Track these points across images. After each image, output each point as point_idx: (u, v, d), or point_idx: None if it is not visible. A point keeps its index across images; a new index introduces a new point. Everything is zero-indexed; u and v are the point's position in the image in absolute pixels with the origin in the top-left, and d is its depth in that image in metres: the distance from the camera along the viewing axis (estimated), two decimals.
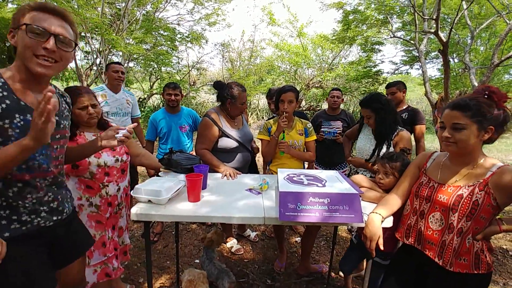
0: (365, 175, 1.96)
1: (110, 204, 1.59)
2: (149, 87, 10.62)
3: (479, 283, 1.15)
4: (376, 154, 1.92)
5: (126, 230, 1.80)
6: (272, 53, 11.29)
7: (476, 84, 4.40)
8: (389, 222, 1.30)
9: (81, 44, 8.09)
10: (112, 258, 1.61)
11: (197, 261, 2.43)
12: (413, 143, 2.53)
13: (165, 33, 8.82)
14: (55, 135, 1.07)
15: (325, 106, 8.84)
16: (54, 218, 1.10)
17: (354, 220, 1.21)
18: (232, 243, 2.61)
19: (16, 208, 0.99)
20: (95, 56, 6.68)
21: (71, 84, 9.64)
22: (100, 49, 6.55)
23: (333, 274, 2.25)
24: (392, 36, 7.03)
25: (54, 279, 1.11)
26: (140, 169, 3.53)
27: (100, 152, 1.52)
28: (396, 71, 9.93)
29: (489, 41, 9.13)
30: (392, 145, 1.90)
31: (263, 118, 11.51)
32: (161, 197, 1.34)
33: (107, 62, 6.55)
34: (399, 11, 6.87)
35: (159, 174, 1.82)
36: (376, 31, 7.46)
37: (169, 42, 9.04)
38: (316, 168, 2.99)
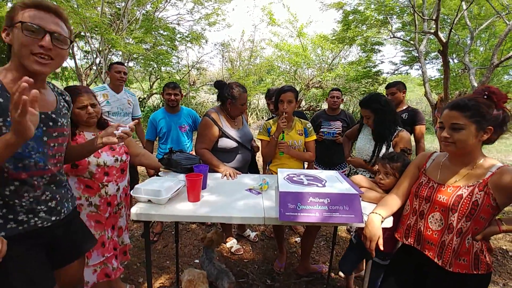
0: (365, 175, 1.96)
1: (110, 204, 1.59)
2: (149, 87, 10.62)
3: (479, 283, 1.15)
4: (375, 154, 1.92)
5: (126, 230, 1.80)
6: (272, 53, 11.32)
7: (475, 84, 4.41)
8: (389, 223, 1.30)
9: (81, 43, 8.09)
10: (111, 258, 1.60)
11: (196, 261, 2.43)
12: (413, 143, 2.54)
13: (165, 33, 8.82)
14: (51, 133, 1.05)
15: (325, 106, 8.84)
16: (53, 218, 1.09)
17: (354, 220, 1.21)
18: (231, 243, 2.61)
19: (12, 207, 0.98)
20: (94, 56, 6.67)
21: (71, 83, 9.64)
22: (100, 48, 6.54)
23: (333, 274, 2.25)
24: (392, 36, 7.04)
25: (53, 279, 1.10)
26: (140, 169, 3.53)
27: (99, 151, 1.51)
28: (396, 72, 9.95)
29: (489, 42, 9.14)
30: (391, 145, 1.90)
31: (263, 118, 11.52)
32: (161, 197, 1.34)
33: (106, 62, 6.55)
34: (399, 12, 6.87)
35: (159, 174, 1.81)
36: (376, 32, 7.47)
37: (169, 42, 9.04)
38: (315, 168, 2.99)
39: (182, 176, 1.65)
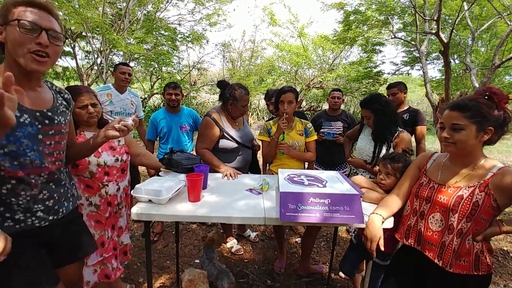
0: (365, 175, 1.96)
1: (110, 204, 1.59)
2: (150, 87, 10.63)
3: (479, 284, 1.15)
4: (376, 155, 1.91)
5: (127, 230, 1.80)
6: (273, 53, 11.32)
7: (477, 85, 4.40)
8: (389, 223, 1.30)
9: (82, 43, 8.10)
10: (111, 258, 1.60)
11: (197, 261, 2.43)
12: (414, 144, 2.53)
13: (166, 33, 8.82)
14: (47, 131, 1.05)
15: (325, 106, 8.85)
16: (50, 218, 1.08)
17: (354, 221, 1.21)
18: (232, 243, 2.61)
19: (9, 206, 0.98)
20: (96, 56, 6.68)
21: (72, 83, 9.66)
22: (101, 48, 6.55)
23: (333, 275, 2.24)
24: (393, 37, 7.03)
25: (54, 278, 1.10)
26: (141, 169, 3.53)
27: (100, 151, 1.52)
28: (397, 72, 9.93)
29: (490, 42, 9.13)
30: (392, 146, 1.90)
31: (263, 118, 11.52)
32: (162, 196, 1.34)
33: (108, 62, 6.56)
34: (400, 12, 6.86)
35: (160, 173, 1.82)
36: (377, 32, 7.46)
37: (170, 42, 9.04)
38: (316, 169, 2.98)
39: (182, 176, 1.65)
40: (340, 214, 1.20)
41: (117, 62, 3.38)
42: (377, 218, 1.24)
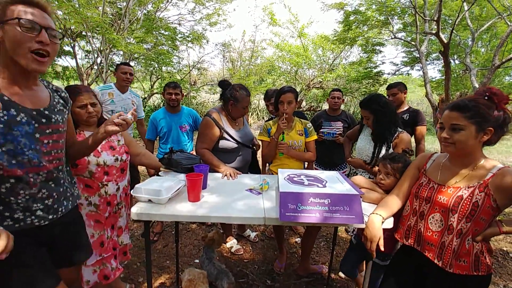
0: (364, 176, 1.96)
1: (109, 204, 1.59)
2: (150, 87, 10.63)
3: (479, 284, 1.15)
4: (375, 155, 1.92)
5: (126, 230, 1.79)
6: (273, 53, 11.32)
7: (477, 85, 4.40)
8: (389, 223, 1.29)
9: (82, 43, 8.10)
10: (110, 258, 1.60)
11: (196, 261, 2.43)
12: (414, 144, 2.53)
13: (166, 33, 8.82)
14: (44, 130, 1.04)
15: (325, 106, 8.85)
16: (50, 217, 1.08)
17: (354, 221, 1.20)
18: (232, 243, 2.61)
19: (8, 205, 0.98)
20: (95, 55, 6.68)
21: (72, 83, 9.65)
22: (101, 48, 6.54)
23: (333, 275, 2.24)
24: (393, 37, 7.03)
25: (54, 278, 1.09)
26: (140, 169, 3.53)
27: (99, 151, 1.51)
28: (397, 72, 9.93)
29: (490, 43, 9.14)
30: (391, 147, 1.90)
31: (263, 118, 11.52)
32: (161, 196, 1.34)
33: (107, 62, 6.56)
34: (400, 12, 6.86)
35: (159, 173, 1.82)
36: (377, 32, 7.46)
37: (169, 42, 9.04)
38: (316, 169, 2.98)
39: (182, 176, 1.65)
40: (340, 214, 1.20)
41: (117, 62, 3.39)
42: (377, 218, 1.24)
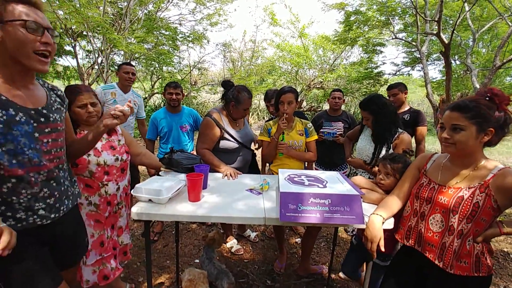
0: (364, 176, 1.96)
1: (109, 203, 1.59)
2: (150, 87, 10.64)
3: (479, 285, 1.15)
4: (375, 156, 1.91)
5: (127, 229, 1.79)
6: (274, 53, 11.31)
7: (477, 86, 4.39)
8: (390, 224, 1.29)
9: (83, 43, 8.11)
10: (110, 257, 1.60)
11: (197, 260, 2.43)
12: (415, 144, 2.53)
13: (167, 33, 8.82)
14: (43, 129, 1.04)
15: (326, 107, 8.84)
16: (52, 216, 1.08)
17: (355, 222, 1.20)
18: (232, 243, 2.61)
19: (10, 205, 0.98)
20: (96, 55, 6.69)
21: (73, 83, 9.66)
22: (102, 48, 6.55)
23: (333, 275, 2.24)
24: (393, 37, 7.02)
25: (56, 279, 1.09)
26: (141, 168, 3.54)
27: (100, 150, 1.51)
28: (398, 73, 9.91)
29: (491, 43, 9.12)
30: (392, 147, 1.89)
31: (263, 118, 11.52)
32: (162, 196, 1.34)
33: (108, 61, 6.56)
34: (401, 13, 6.85)
35: (160, 173, 1.82)
36: (377, 32, 7.45)
37: (170, 42, 9.04)
38: (316, 169, 2.98)
39: (182, 176, 1.65)
40: (340, 215, 1.20)
41: (118, 62, 3.41)
42: (377, 218, 1.24)
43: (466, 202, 1.10)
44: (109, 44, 6.23)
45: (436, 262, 1.15)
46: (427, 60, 6.61)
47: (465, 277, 1.11)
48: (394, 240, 1.38)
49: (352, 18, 7.28)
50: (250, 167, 2.38)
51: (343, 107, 3.58)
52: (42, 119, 1.04)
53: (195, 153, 2.14)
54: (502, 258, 2.65)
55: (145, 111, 3.09)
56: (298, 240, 2.83)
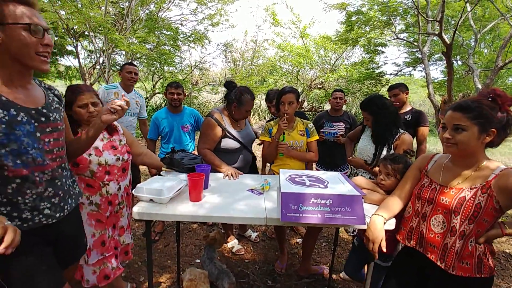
0: (365, 176, 1.95)
1: (111, 203, 1.59)
2: (152, 87, 10.66)
3: (481, 287, 1.15)
4: (376, 156, 1.91)
5: (128, 229, 1.80)
6: (275, 53, 11.31)
7: (479, 86, 4.38)
8: (391, 225, 1.29)
9: (85, 43, 8.13)
10: (111, 257, 1.60)
11: (198, 260, 2.43)
12: (416, 145, 2.52)
13: (168, 33, 8.84)
14: (45, 128, 1.04)
15: (327, 107, 8.84)
16: (57, 215, 1.08)
17: (356, 222, 1.20)
18: (233, 243, 2.61)
19: (16, 205, 0.98)
20: (98, 55, 6.71)
21: (74, 82, 9.70)
22: (103, 48, 6.57)
23: (334, 276, 2.24)
24: (395, 37, 7.01)
25: (60, 279, 1.10)
26: (142, 168, 3.54)
27: (101, 150, 1.52)
28: (399, 73, 9.91)
29: (493, 44, 9.10)
30: (392, 148, 1.89)
31: (265, 118, 11.52)
32: (163, 196, 1.34)
33: (110, 61, 6.58)
34: (402, 13, 6.84)
35: (161, 173, 1.82)
36: (379, 33, 7.45)
37: (172, 42, 9.06)
38: (317, 169, 2.98)
39: (184, 176, 1.65)
40: (341, 215, 1.20)
41: (120, 62, 3.42)
42: (379, 219, 1.24)
43: (468, 203, 1.09)
44: (111, 44, 6.25)
45: (438, 263, 1.15)
46: (428, 61, 6.61)
47: (467, 278, 1.10)
48: (395, 240, 1.37)
49: (353, 18, 7.27)
50: (251, 168, 2.38)
51: (344, 108, 3.58)
52: (43, 119, 1.04)
53: (196, 153, 2.14)
54: (504, 259, 2.64)
55: (146, 111, 3.09)
56: (299, 240, 2.83)
